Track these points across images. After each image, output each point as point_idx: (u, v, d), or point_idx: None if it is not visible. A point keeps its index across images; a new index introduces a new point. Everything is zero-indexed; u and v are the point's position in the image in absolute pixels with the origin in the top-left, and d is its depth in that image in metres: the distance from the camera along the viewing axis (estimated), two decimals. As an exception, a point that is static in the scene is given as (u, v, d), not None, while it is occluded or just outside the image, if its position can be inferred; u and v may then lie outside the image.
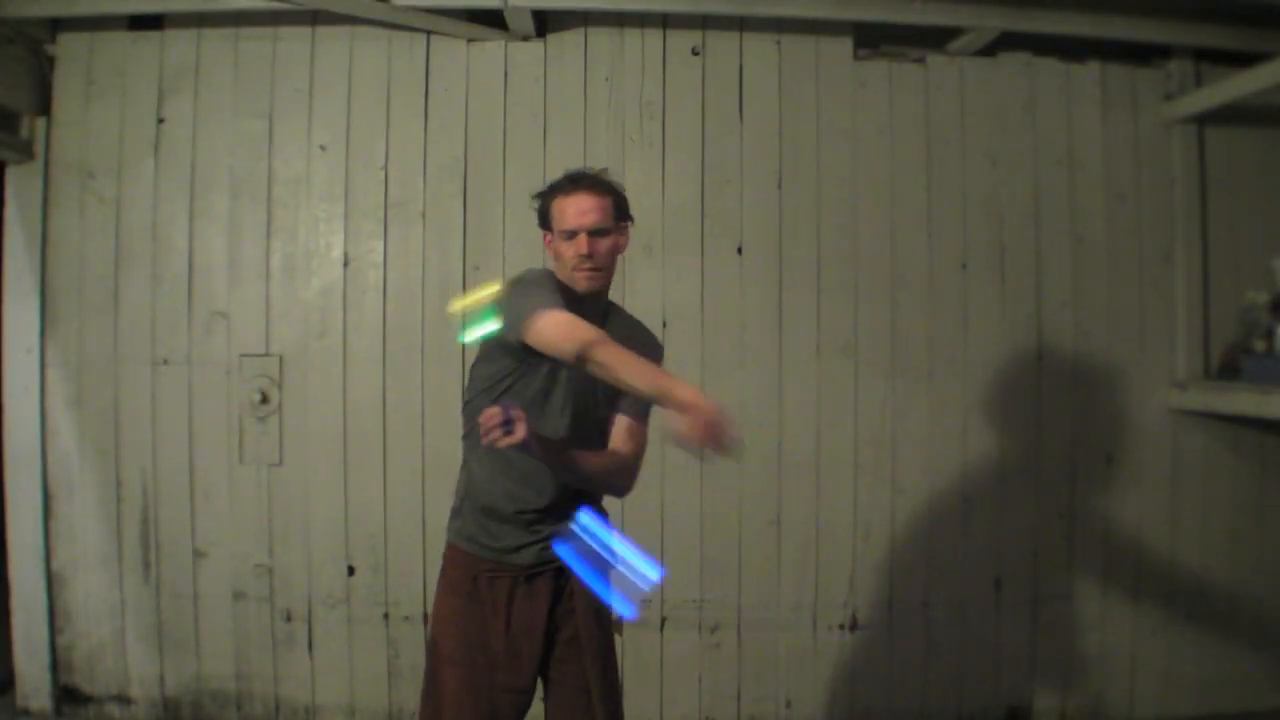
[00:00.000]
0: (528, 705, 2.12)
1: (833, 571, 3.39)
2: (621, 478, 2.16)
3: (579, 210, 2.02)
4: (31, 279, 3.31)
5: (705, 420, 1.67)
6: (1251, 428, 3.46)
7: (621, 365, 1.81)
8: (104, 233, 3.32)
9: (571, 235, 2.02)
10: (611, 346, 1.83)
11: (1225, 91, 3.26)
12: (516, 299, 1.96)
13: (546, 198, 2.09)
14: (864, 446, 3.39)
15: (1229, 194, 3.53)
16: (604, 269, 2.06)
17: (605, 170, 2.13)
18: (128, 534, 3.33)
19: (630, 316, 2.22)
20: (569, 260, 2.03)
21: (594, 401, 2.12)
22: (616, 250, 2.09)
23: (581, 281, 2.03)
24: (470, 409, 2.12)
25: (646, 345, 2.12)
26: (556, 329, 1.87)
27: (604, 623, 2.17)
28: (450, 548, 2.18)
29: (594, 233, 2.02)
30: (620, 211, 2.10)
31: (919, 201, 3.42)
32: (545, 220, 2.10)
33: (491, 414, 1.78)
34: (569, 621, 2.12)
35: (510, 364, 2.04)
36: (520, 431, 1.78)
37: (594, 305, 2.08)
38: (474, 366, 2.14)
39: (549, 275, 2.05)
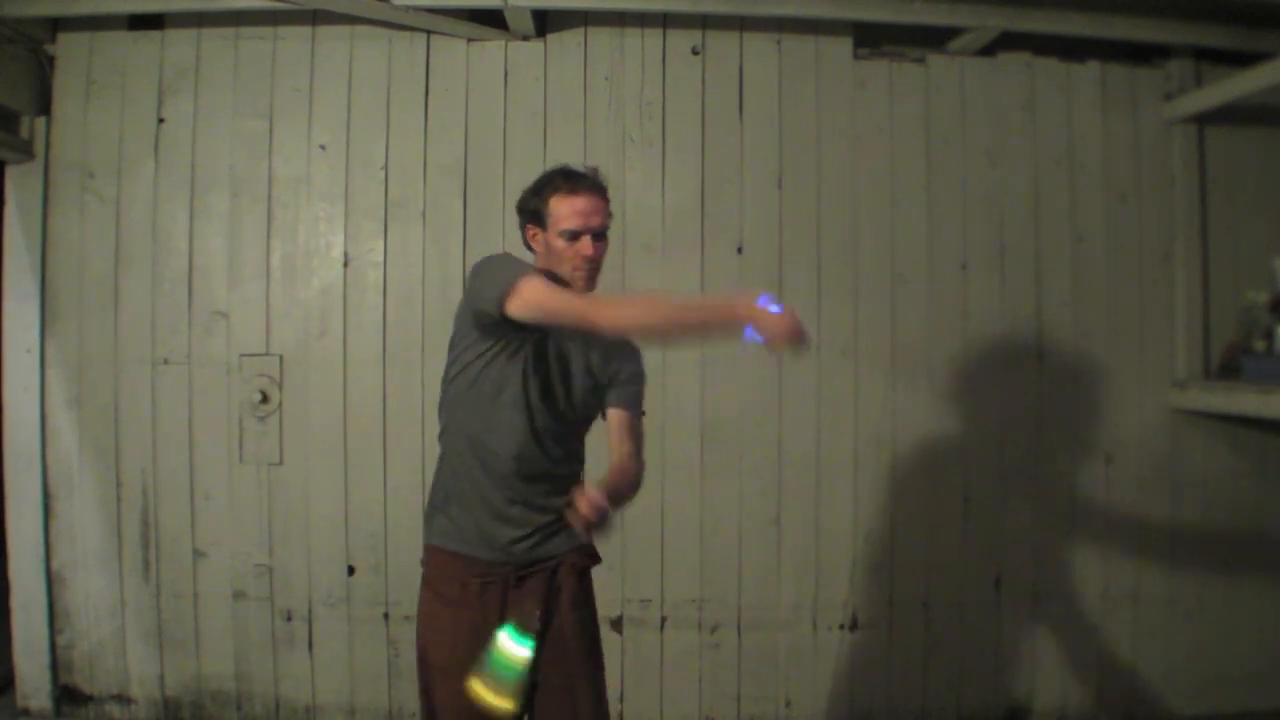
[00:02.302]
0: (529, 706, 2.11)
1: (833, 571, 3.39)
2: (639, 477, 2.15)
3: (585, 211, 2.01)
4: (31, 279, 3.31)
5: (781, 323, 1.77)
6: (1251, 428, 3.46)
7: (647, 309, 1.91)
8: (104, 233, 3.32)
9: (575, 236, 2.00)
10: (617, 298, 1.92)
11: (1225, 91, 3.25)
12: (492, 273, 1.96)
13: (543, 193, 2.05)
14: (864, 446, 3.39)
15: (1229, 194, 3.52)
16: (599, 270, 2.06)
17: (596, 169, 2.11)
18: (128, 534, 3.33)
19: None
20: (568, 259, 2.02)
21: (582, 381, 2.11)
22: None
23: (581, 282, 2.03)
24: (449, 399, 2.10)
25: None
26: (550, 293, 1.90)
27: (590, 622, 2.16)
28: (434, 552, 2.13)
29: (597, 235, 2.02)
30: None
31: (919, 201, 3.42)
32: (537, 217, 2.06)
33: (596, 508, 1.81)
34: (556, 621, 2.08)
35: (489, 343, 2.01)
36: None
37: None
38: (450, 355, 2.11)
39: (514, 257, 2.06)
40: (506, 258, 2.05)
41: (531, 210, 2.07)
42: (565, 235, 2.01)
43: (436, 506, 2.15)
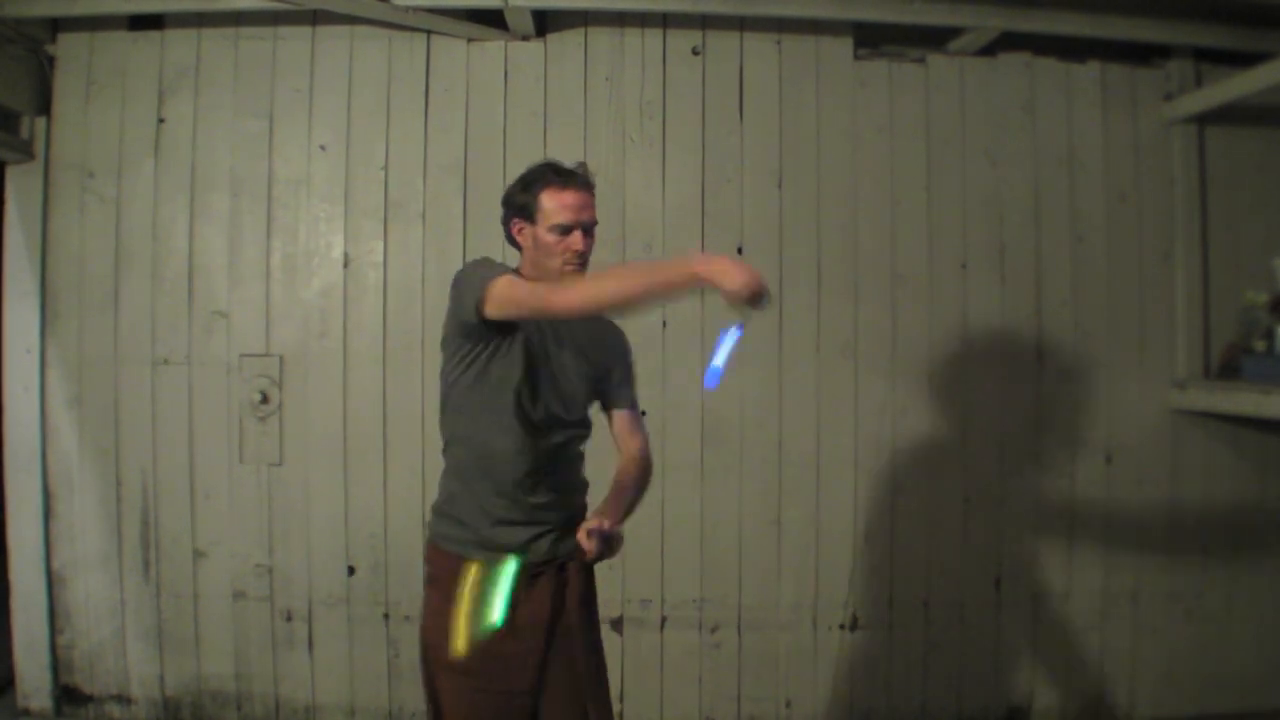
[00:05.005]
0: (536, 705, 2.10)
1: (833, 571, 3.39)
2: (649, 473, 2.22)
3: (576, 205, 2.01)
4: (31, 279, 3.31)
5: (740, 274, 1.73)
6: (1251, 427, 3.46)
7: (608, 282, 1.87)
8: (104, 233, 3.32)
9: (567, 230, 2.01)
10: (581, 280, 1.94)
11: (1225, 91, 3.25)
12: (468, 281, 1.97)
13: (533, 188, 2.04)
14: (864, 446, 3.39)
15: (1229, 194, 3.52)
16: (587, 265, 2.06)
17: (584, 164, 2.12)
18: (128, 534, 3.33)
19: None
20: (558, 254, 2.02)
21: (578, 376, 2.12)
22: None
23: (568, 277, 2.02)
24: (448, 412, 2.11)
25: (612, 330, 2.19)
26: (517, 285, 1.92)
27: (593, 614, 2.19)
28: (438, 552, 2.12)
29: (586, 229, 2.03)
30: None
31: (919, 201, 3.42)
32: (525, 211, 2.05)
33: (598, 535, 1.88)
34: (563, 615, 2.10)
35: (478, 349, 2.02)
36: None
37: None
38: (443, 370, 2.12)
39: (489, 259, 2.08)
40: (479, 264, 2.05)
41: (520, 205, 2.06)
42: (557, 230, 2.01)
43: (441, 511, 2.15)
